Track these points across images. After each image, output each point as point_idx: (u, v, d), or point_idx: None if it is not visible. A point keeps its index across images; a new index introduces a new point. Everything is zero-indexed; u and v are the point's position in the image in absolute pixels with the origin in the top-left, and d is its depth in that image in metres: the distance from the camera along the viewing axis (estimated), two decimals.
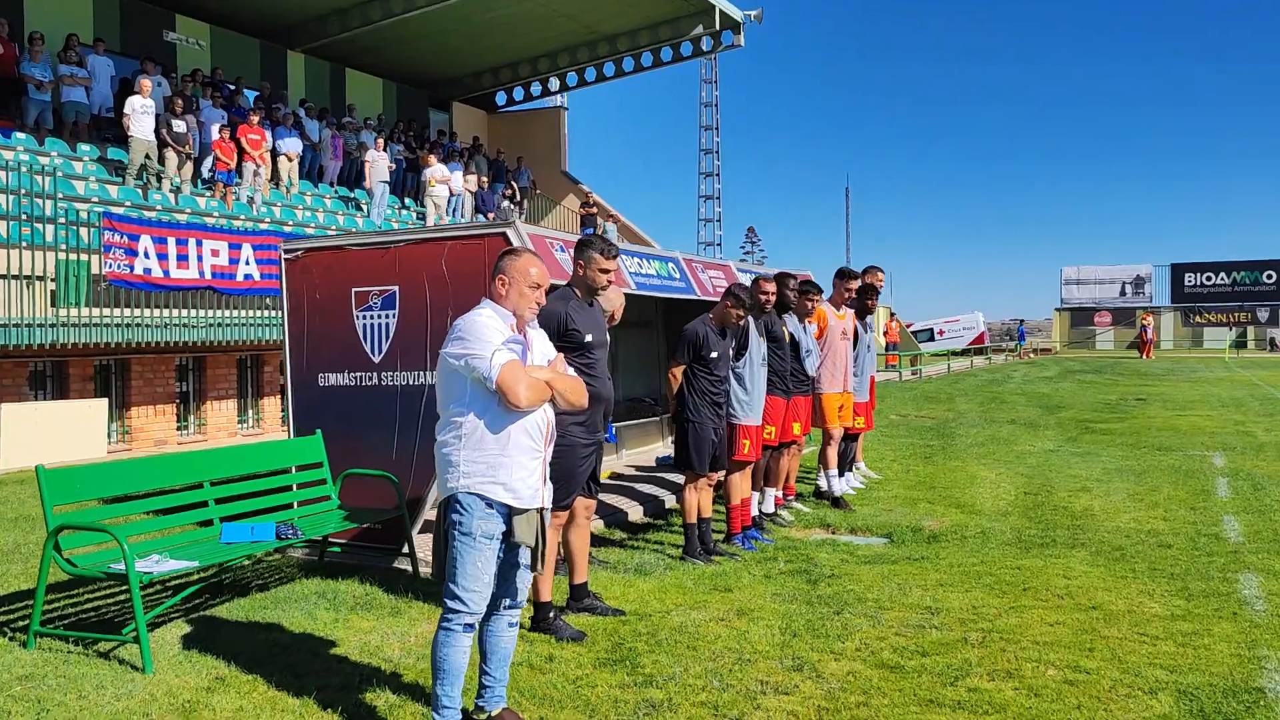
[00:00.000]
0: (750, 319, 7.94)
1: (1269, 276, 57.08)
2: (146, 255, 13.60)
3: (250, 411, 16.81)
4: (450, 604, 4.22)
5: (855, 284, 9.97)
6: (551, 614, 5.83)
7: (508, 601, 4.45)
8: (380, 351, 7.29)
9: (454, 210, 23.48)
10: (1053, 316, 63.15)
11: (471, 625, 4.24)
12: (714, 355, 7.42)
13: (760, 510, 8.84)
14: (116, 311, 13.60)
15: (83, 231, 13.74)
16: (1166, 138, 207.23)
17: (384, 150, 22.12)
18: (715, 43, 26.87)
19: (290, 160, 20.59)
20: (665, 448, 11.54)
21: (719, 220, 73.11)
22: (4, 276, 12.53)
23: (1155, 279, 59.85)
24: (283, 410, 15.68)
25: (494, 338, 4.21)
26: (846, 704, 4.76)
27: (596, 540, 8.16)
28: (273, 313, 15.07)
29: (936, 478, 11.40)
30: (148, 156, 17.34)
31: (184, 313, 14.43)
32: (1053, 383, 28.23)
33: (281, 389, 16.26)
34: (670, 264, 8.92)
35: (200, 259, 14.30)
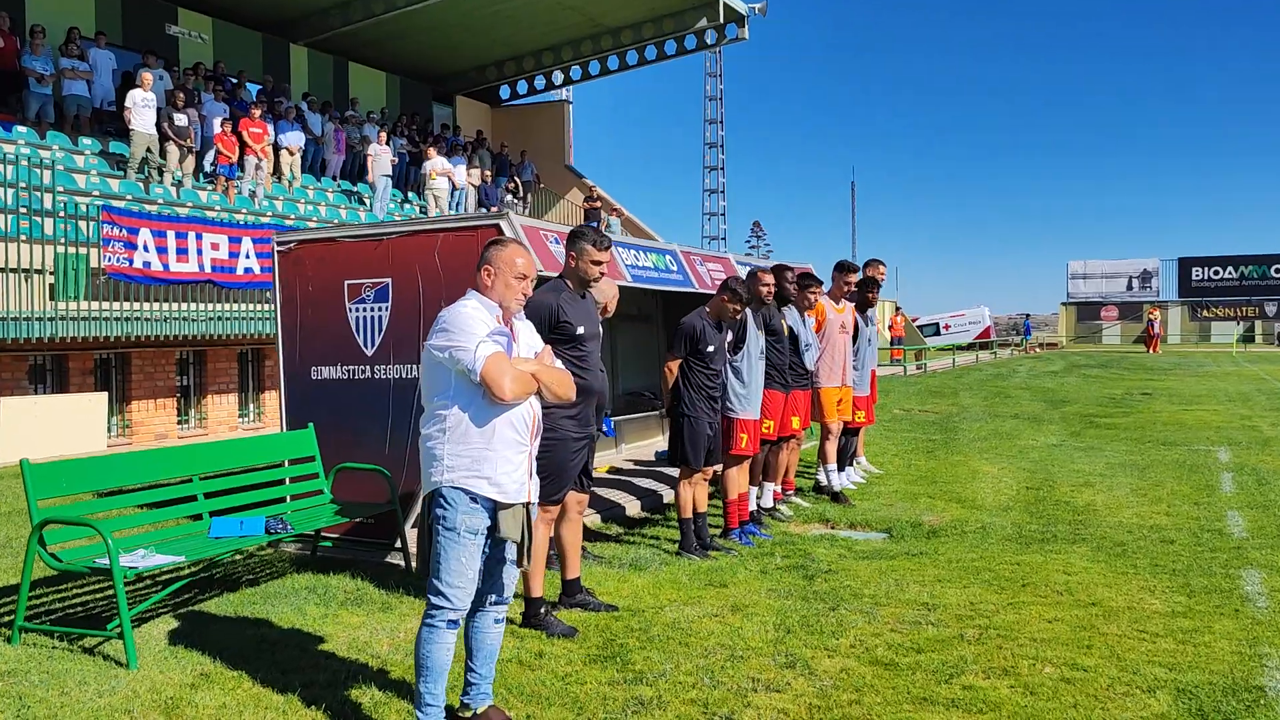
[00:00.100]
0: (749, 312, 7.87)
1: (1277, 270, 56.74)
2: (146, 249, 13.56)
3: (251, 406, 16.77)
4: (434, 600, 4.15)
5: (854, 277, 9.88)
6: (543, 610, 5.77)
7: (494, 597, 4.38)
8: (373, 344, 7.23)
9: (457, 204, 23.40)
10: (1059, 311, 62.91)
11: (456, 622, 4.17)
12: (710, 349, 7.35)
13: (759, 505, 8.76)
14: (116, 305, 13.56)
15: (82, 225, 13.69)
16: (1173, 131, 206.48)
17: (387, 144, 22.05)
18: (719, 36, 26.76)
19: (292, 154, 20.52)
20: (664, 442, 11.44)
21: (723, 214, 72.90)
22: (3, 270, 12.49)
23: (1162, 273, 59.56)
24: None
25: (478, 329, 4.13)
26: (838, 702, 4.69)
27: (592, 535, 8.10)
28: (273, 306, 15.03)
29: (938, 472, 11.32)
30: (149, 150, 17.29)
31: (184, 306, 14.39)
32: (1058, 377, 28.09)
33: None
34: (668, 256, 8.84)
35: (200, 252, 14.25)
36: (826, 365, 9.47)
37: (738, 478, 8.02)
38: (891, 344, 38.50)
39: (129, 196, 16.18)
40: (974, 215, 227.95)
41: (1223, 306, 57.56)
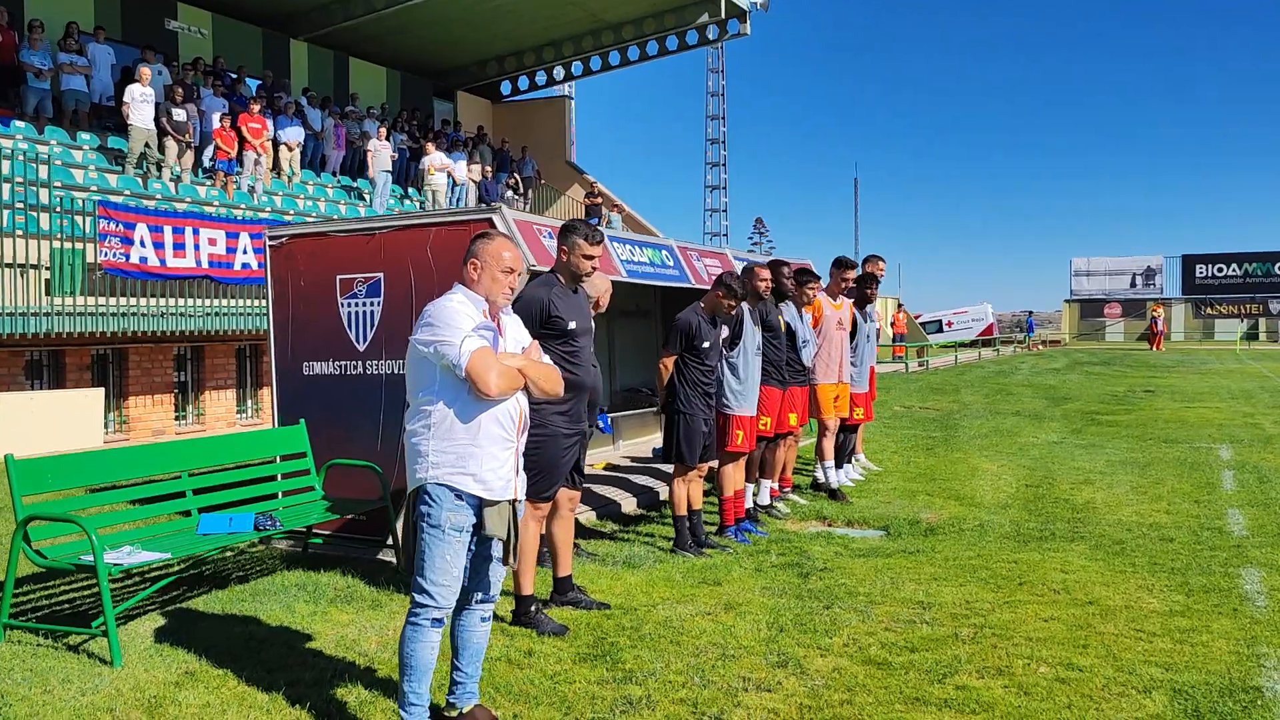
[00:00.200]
0: (745, 308, 7.81)
1: None
2: (143, 244, 13.50)
3: (249, 401, 16.72)
4: (418, 598, 4.10)
5: (852, 274, 9.81)
6: (533, 608, 5.71)
7: (480, 595, 4.32)
8: (365, 340, 7.17)
9: (457, 200, 23.34)
10: (1062, 308, 62.75)
11: (440, 620, 4.12)
12: (706, 345, 7.29)
13: (755, 502, 8.70)
14: (113, 300, 13.52)
15: (79, 220, 13.65)
16: (1177, 129, 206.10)
17: (386, 139, 21.99)
18: (721, 31, 26.65)
19: (291, 149, 20.46)
20: (661, 439, 11.40)
21: (725, 211, 72.82)
22: None
23: (1166, 270, 59.33)
24: None
25: (464, 324, 4.07)
26: (829, 702, 4.63)
27: (587, 532, 8.05)
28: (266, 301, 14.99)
29: (937, 470, 11.25)
30: (147, 145, 17.24)
31: (182, 302, 14.34)
32: (1060, 374, 27.99)
33: None
34: (664, 252, 8.78)
35: (197, 248, 14.20)
36: (823, 362, 9.41)
37: (734, 475, 7.96)
38: (894, 341, 38.41)
39: (127, 192, 16.13)
40: (977, 212, 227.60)
41: (1226, 304, 57.34)
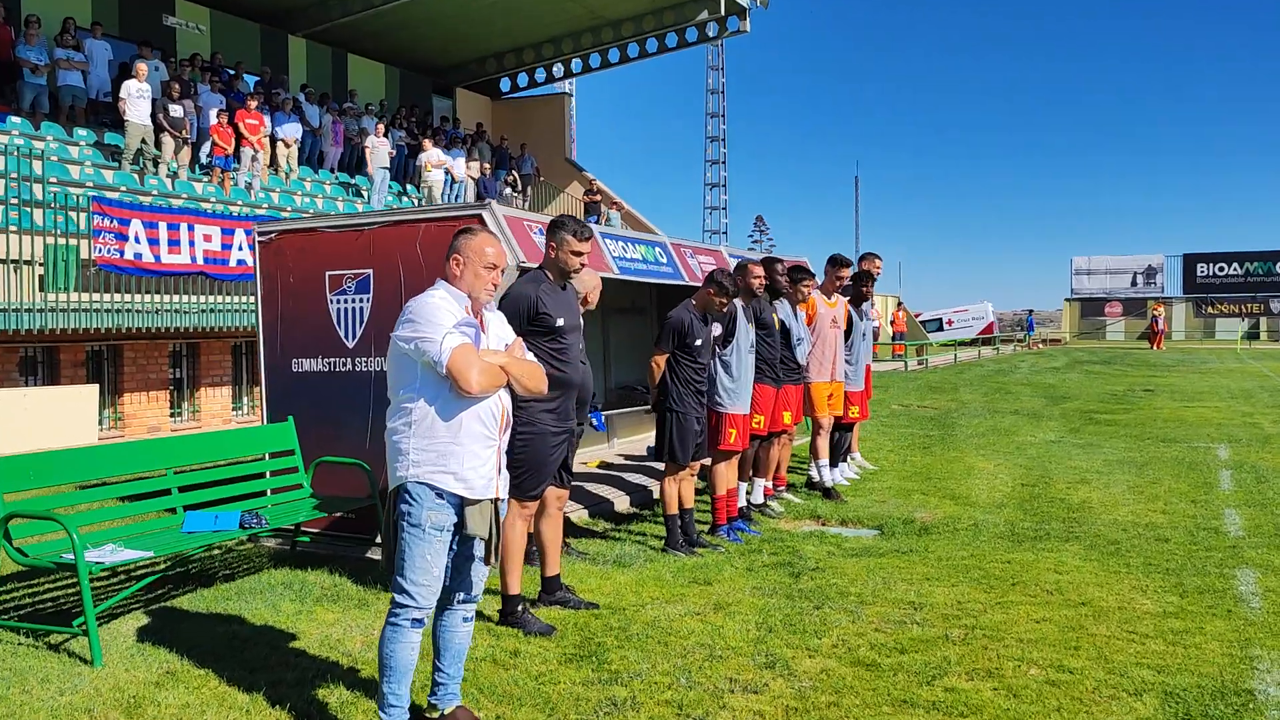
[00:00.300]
0: (739, 305, 7.75)
1: None
2: (137, 240, 13.45)
3: (245, 398, 16.66)
4: (398, 598, 4.05)
5: (847, 272, 9.74)
6: (520, 607, 5.65)
7: (461, 595, 4.27)
8: (354, 336, 7.12)
9: (455, 197, 23.27)
10: (1063, 307, 62.65)
11: (421, 620, 4.07)
12: (698, 343, 7.23)
13: (749, 501, 8.65)
14: (107, 297, 13.45)
15: (74, 216, 13.59)
16: (1178, 127, 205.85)
17: (385, 136, 21.93)
18: (721, 28, 26.59)
19: (289, 146, 20.41)
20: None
21: (725, 209, 72.74)
22: None
23: (1167, 269, 59.22)
24: None
25: (445, 320, 4.02)
26: (816, 704, 4.57)
27: (578, 531, 7.99)
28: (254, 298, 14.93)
29: (933, 469, 11.19)
30: (144, 141, 17.20)
31: (177, 298, 14.28)
32: (1060, 373, 27.93)
33: None
34: (657, 249, 8.72)
35: (192, 244, 14.14)
36: (816, 360, 9.34)
37: (726, 473, 7.91)
38: (893, 339, 38.32)
39: (123, 188, 16.07)
40: (978, 211, 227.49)
41: (1227, 303, 57.23)
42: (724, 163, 72.79)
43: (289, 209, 18.86)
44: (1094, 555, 7.27)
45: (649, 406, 7.47)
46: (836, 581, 6.56)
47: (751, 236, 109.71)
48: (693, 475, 7.57)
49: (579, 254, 5.69)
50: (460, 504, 4.07)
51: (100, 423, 14.02)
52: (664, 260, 8.70)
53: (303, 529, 7.05)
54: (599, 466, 10.24)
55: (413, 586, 4.02)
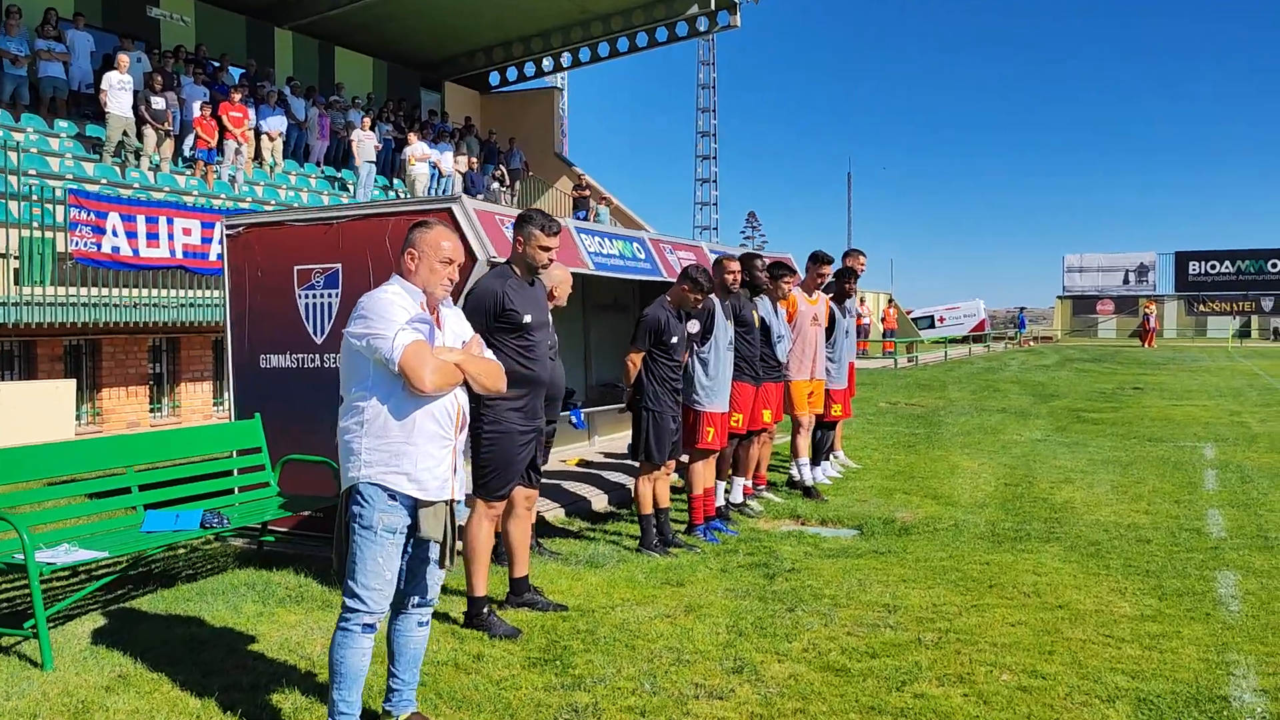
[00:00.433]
0: (717, 302, 7.64)
1: (1274, 265, 56.46)
2: (115, 233, 13.28)
3: (227, 394, 16.41)
4: (348, 602, 3.94)
5: (828, 269, 9.62)
6: (485, 609, 5.54)
7: (417, 599, 4.16)
8: (323, 333, 6.99)
9: (442, 191, 23.11)
10: (1055, 304, 62.65)
11: (372, 625, 3.95)
12: (674, 340, 7.12)
13: (728, 500, 8.54)
14: (85, 290, 13.29)
15: (52, 208, 13.42)
16: (1171, 125, 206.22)
17: (371, 130, 21.77)
18: (711, 23, 26.43)
19: (274, 139, 20.23)
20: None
21: (715, 204, 72.68)
22: None
23: (1159, 267, 59.24)
24: None
25: (398, 316, 3.90)
26: (782, 710, 4.47)
27: (553, 530, 7.88)
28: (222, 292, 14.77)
29: (916, 467, 11.09)
30: (125, 133, 17.01)
31: (156, 292, 14.12)
32: (1049, 371, 27.87)
33: None
34: (635, 244, 8.60)
35: (171, 237, 13.97)
36: (797, 358, 9.23)
37: (703, 472, 7.80)
38: (884, 336, 38.25)
39: (104, 180, 15.90)
40: (971, 208, 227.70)
41: (1219, 301, 57.29)
42: (715, 158, 72.71)
43: (273, 203, 18.70)
44: (1074, 556, 7.17)
45: (623, 405, 7.36)
46: (811, 583, 6.45)
47: (744, 233, 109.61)
48: (669, 474, 7.46)
49: (547, 249, 5.57)
50: (414, 506, 3.95)
51: (78, 418, 13.87)
52: (642, 256, 8.59)
53: (269, 528, 6.92)
54: (578, 464, 10.13)
55: (364, 591, 3.91)
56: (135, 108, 17.10)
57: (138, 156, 17.23)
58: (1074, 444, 12.95)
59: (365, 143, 21.34)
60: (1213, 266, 57.83)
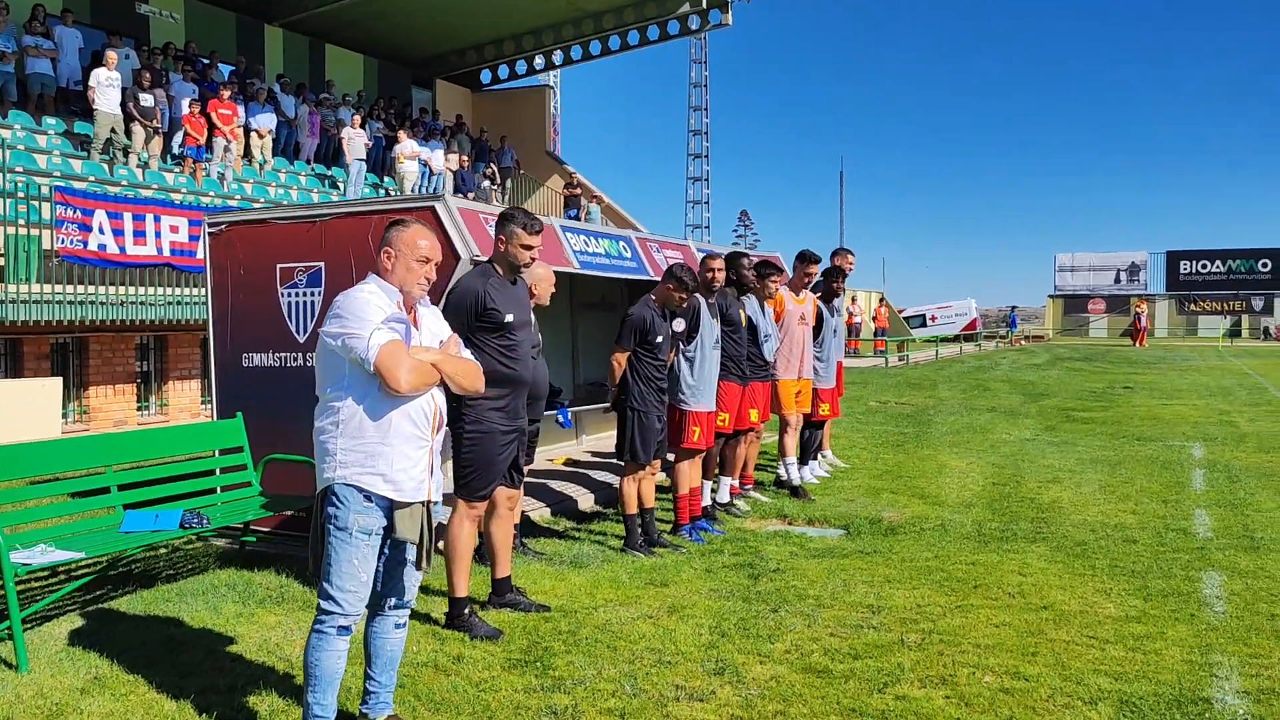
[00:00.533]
0: (702, 301, 7.60)
1: (1264, 265, 56.66)
2: (101, 231, 13.21)
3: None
4: (323, 604, 3.90)
5: (815, 268, 9.59)
6: (466, 610, 5.50)
7: (393, 601, 4.13)
8: (305, 331, 6.94)
9: (432, 189, 23.05)
10: (1046, 303, 62.74)
11: (347, 628, 3.91)
12: (659, 339, 7.09)
13: (714, 500, 8.51)
14: (71, 288, 13.22)
15: (38, 205, 13.34)
16: (1164, 126, 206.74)
17: (362, 127, 21.70)
18: (703, 22, 26.41)
19: (263, 136, 20.16)
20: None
21: (707, 203, 72.71)
22: None
23: (1150, 266, 59.38)
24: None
25: (374, 315, 3.86)
26: (763, 713, 4.44)
27: (538, 530, 7.85)
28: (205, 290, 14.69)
29: (905, 467, 11.07)
30: (114, 130, 16.93)
31: (143, 290, 14.05)
32: (1040, 370, 27.89)
33: None
34: (621, 243, 8.56)
35: (159, 235, 13.90)
36: (784, 357, 9.20)
37: (689, 472, 7.77)
38: (875, 335, 38.25)
39: (92, 178, 15.83)
40: (964, 207, 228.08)
41: (1210, 300, 57.43)
42: (707, 157, 72.77)
43: (262, 200, 18.63)
44: (1060, 557, 7.15)
45: (608, 405, 7.32)
46: (796, 583, 6.43)
47: (736, 231, 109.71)
48: (654, 474, 7.43)
49: (529, 248, 5.53)
50: (390, 507, 3.92)
51: (65, 416, 13.80)
52: (629, 255, 8.55)
53: (251, 528, 6.88)
54: (565, 464, 10.10)
55: (339, 593, 3.87)
56: (123, 105, 17.02)
57: (126, 154, 17.14)
58: (1063, 443, 12.94)
59: (355, 140, 21.28)
60: (1204, 266, 57.98)
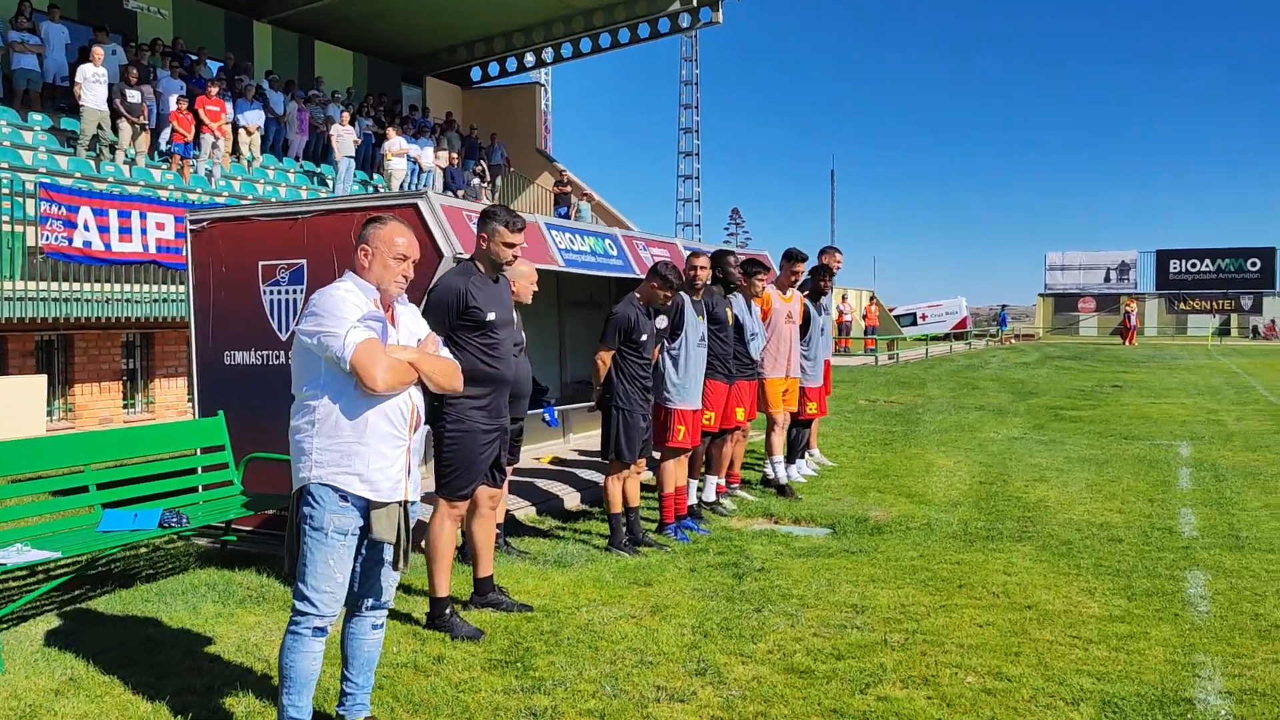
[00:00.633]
0: (687, 299, 7.58)
1: (1253, 264, 56.85)
2: (86, 228, 13.12)
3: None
4: (298, 605, 3.86)
5: (802, 266, 9.57)
6: (448, 610, 5.46)
7: (370, 601, 4.09)
8: (287, 329, 6.90)
9: (424, 186, 22.99)
10: (1037, 302, 62.86)
11: (322, 629, 3.87)
12: (644, 338, 7.06)
13: (700, 498, 8.49)
14: (56, 285, 13.14)
15: (22, 202, 13.25)
16: (1153, 125, 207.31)
17: (350, 124, 21.62)
18: (693, 19, 26.39)
19: (251, 133, 20.08)
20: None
21: (698, 201, 72.73)
22: None
23: (1140, 265, 59.55)
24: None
25: (350, 313, 3.83)
26: (743, 714, 4.41)
27: (523, 529, 7.82)
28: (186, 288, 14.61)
29: (892, 465, 11.06)
30: (100, 127, 16.84)
31: (129, 287, 13.97)
32: (1030, 369, 27.92)
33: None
34: (608, 241, 8.53)
35: (144, 232, 13.81)
36: (771, 356, 9.18)
37: (674, 471, 7.74)
38: (866, 333, 38.27)
39: (78, 174, 15.75)
40: (955, 206, 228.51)
41: (1199, 299, 57.61)
42: (697, 155, 72.83)
43: (250, 197, 18.55)
44: (1045, 556, 7.14)
45: (593, 404, 7.29)
46: (780, 583, 6.40)
47: (727, 229, 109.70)
48: (639, 473, 7.40)
49: (511, 245, 5.49)
50: (366, 507, 3.88)
51: (50, 414, 13.72)
52: (614, 253, 8.52)
53: (232, 527, 6.83)
54: (551, 462, 10.06)
55: (314, 594, 3.83)
56: (110, 101, 16.93)
57: (113, 150, 17.05)
58: (1051, 442, 12.94)
59: (344, 137, 21.20)
60: (1193, 265, 58.16)
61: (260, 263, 6.96)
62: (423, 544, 5.62)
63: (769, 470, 9.54)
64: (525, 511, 8.24)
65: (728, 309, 8.24)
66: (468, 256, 5.88)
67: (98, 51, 16.87)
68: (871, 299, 44.12)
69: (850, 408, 17.11)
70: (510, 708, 4.45)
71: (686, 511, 7.97)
